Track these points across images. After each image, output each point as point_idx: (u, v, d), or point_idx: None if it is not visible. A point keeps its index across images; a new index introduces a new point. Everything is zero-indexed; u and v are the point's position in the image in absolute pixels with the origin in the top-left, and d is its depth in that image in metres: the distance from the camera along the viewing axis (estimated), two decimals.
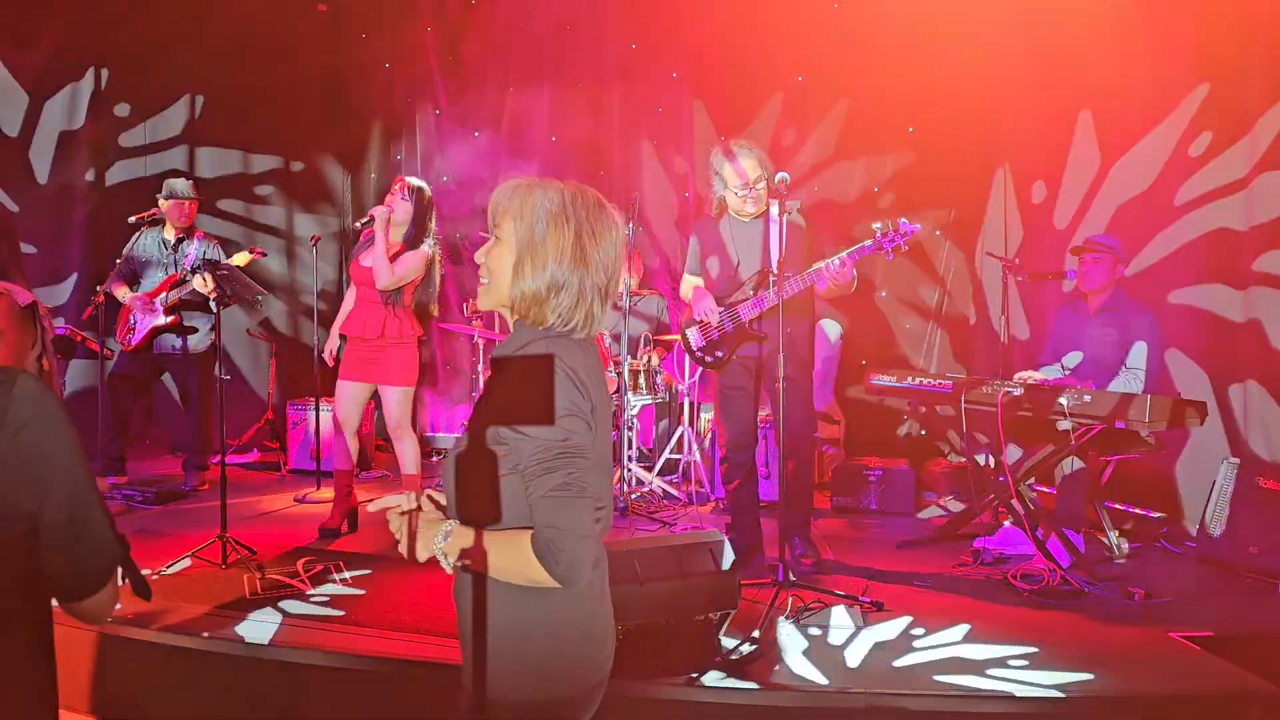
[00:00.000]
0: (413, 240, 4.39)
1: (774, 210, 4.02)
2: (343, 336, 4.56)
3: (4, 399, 1.11)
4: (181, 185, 5.37)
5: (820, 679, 2.90)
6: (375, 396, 4.62)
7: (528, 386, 1.45)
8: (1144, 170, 5.11)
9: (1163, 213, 5.01)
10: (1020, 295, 5.71)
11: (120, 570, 1.28)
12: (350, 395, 4.47)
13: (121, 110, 6.45)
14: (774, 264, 3.92)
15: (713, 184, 4.15)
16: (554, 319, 1.52)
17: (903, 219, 3.79)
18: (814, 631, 3.31)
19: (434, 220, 4.48)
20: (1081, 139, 5.48)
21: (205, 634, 3.18)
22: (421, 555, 1.52)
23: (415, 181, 4.46)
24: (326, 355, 4.66)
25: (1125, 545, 4.39)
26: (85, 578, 1.21)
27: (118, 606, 1.30)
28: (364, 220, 4.44)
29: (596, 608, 1.57)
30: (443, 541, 1.50)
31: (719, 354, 4.14)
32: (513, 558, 1.43)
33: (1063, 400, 3.89)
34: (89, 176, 6.26)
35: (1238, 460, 4.28)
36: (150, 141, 6.53)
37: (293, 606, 3.49)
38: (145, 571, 1.30)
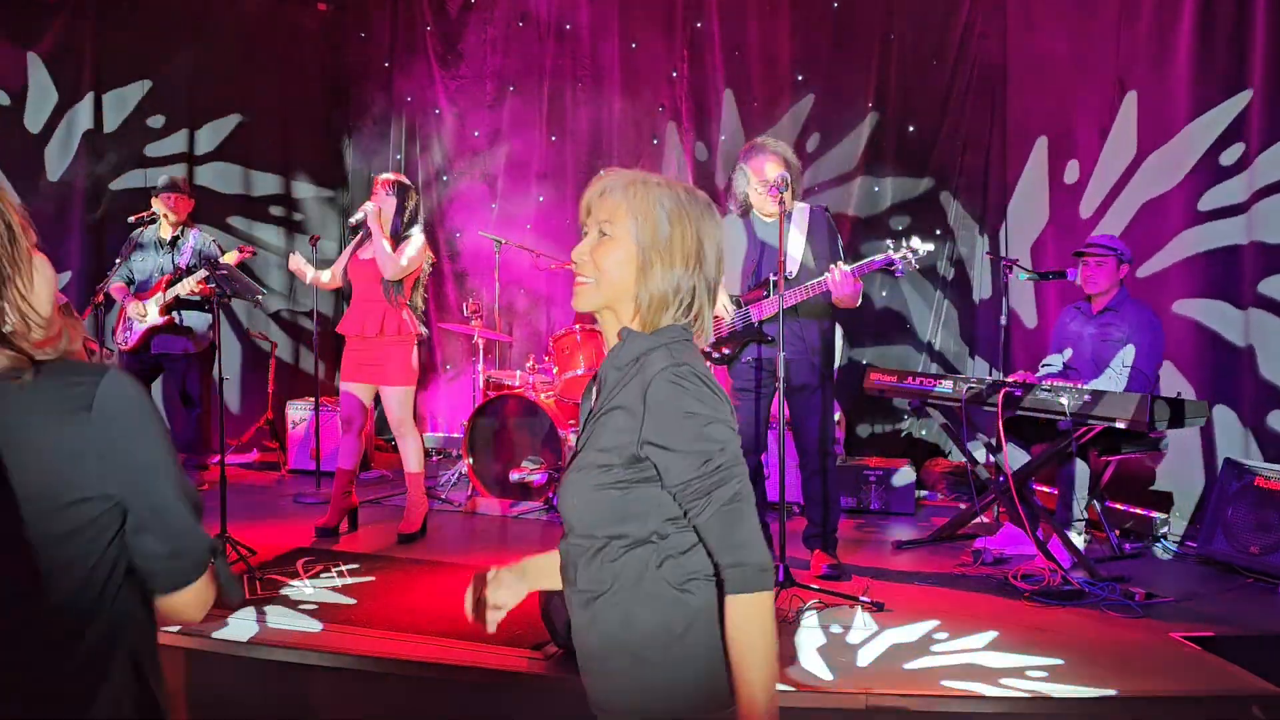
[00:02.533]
0: (400, 231, 4.43)
1: (797, 212, 4.03)
2: (340, 336, 4.57)
3: (92, 390, 1.18)
4: (170, 183, 5.38)
5: (819, 679, 2.89)
6: (377, 397, 4.63)
7: (666, 398, 1.36)
8: (1170, 171, 4.88)
9: (1153, 209, 4.95)
10: (1016, 296, 5.68)
11: (211, 569, 1.32)
12: (357, 396, 4.49)
13: (112, 107, 6.44)
14: (789, 268, 3.90)
15: (734, 180, 4.12)
16: (671, 321, 1.47)
17: (915, 238, 3.77)
18: (813, 632, 3.31)
19: (420, 210, 4.54)
20: (1124, 123, 5.16)
21: (205, 634, 3.17)
22: None
23: (394, 177, 4.51)
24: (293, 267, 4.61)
25: (1172, 550, 4.42)
26: (174, 570, 1.27)
27: (208, 608, 1.35)
28: (356, 218, 4.46)
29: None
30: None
31: (725, 351, 4.11)
32: (742, 632, 1.34)
33: (1063, 400, 3.89)
34: (92, 177, 6.25)
35: (1238, 460, 4.28)
36: (147, 138, 6.51)
37: (291, 606, 3.49)
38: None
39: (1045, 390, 3.99)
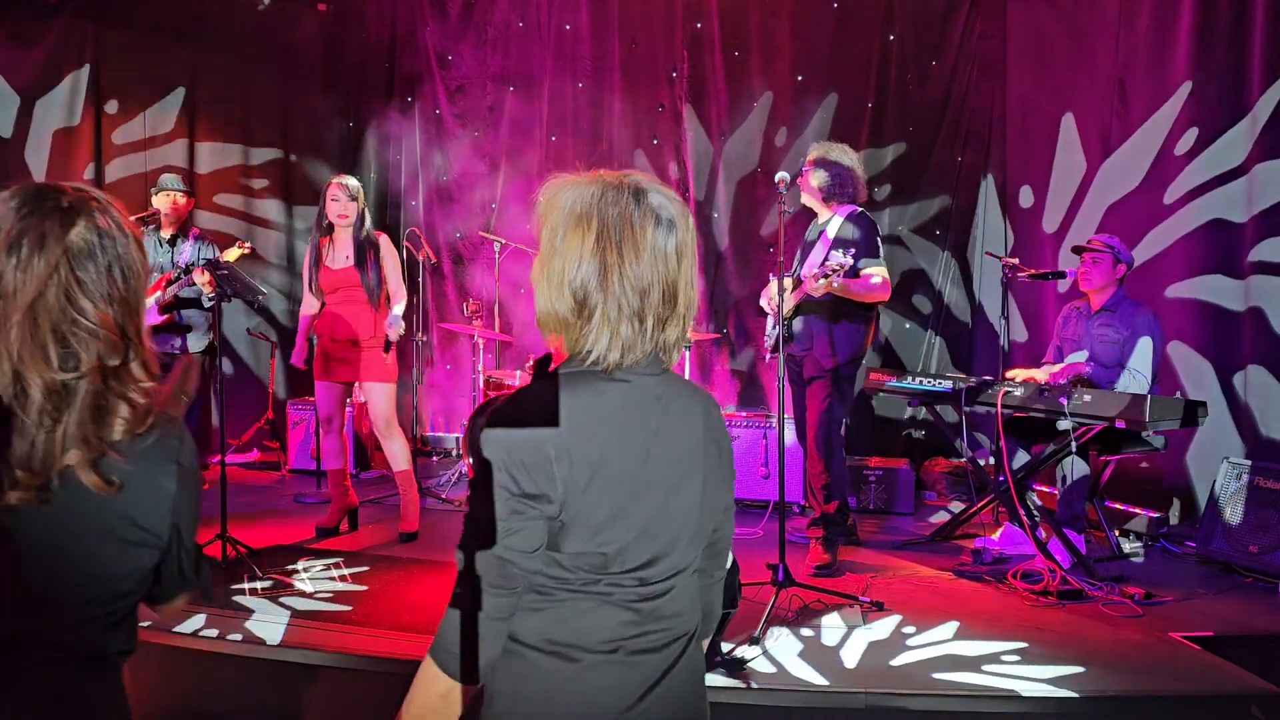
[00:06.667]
0: (365, 234, 4.40)
1: (834, 219, 4.26)
2: (310, 337, 4.55)
3: (180, 444, 1.30)
4: (171, 180, 5.38)
5: (820, 679, 2.90)
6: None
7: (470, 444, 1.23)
8: (1131, 171, 5.14)
9: (1154, 210, 4.99)
10: (1015, 296, 5.71)
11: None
12: (334, 394, 4.49)
13: (115, 107, 6.44)
14: (801, 268, 4.14)
15: None
16: (585, 346, 1.23)
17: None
18: (814, 631, 3.31)
19: (368, 210, 4.50)
20: (1066, 143, 5.55)
21: (204, 634, 3.18)
22: None
23: (349, 180, 4.43)
24: (296, 360, 4.60)
25: (1141, 551, 4.42)
26: (180, 588, 1.34)
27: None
28: (325, 226, 4.41)
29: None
30: None
31: (769, 343, 4.41)
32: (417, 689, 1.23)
33: (1062, 400, 3.89)
34: (87, 175, 6.26)
35: (1238, 460, 4.28)
36: (148, 137, 6.52)
37: (292, 606, 3.49)
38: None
39: (1044, 390, 3.98)
